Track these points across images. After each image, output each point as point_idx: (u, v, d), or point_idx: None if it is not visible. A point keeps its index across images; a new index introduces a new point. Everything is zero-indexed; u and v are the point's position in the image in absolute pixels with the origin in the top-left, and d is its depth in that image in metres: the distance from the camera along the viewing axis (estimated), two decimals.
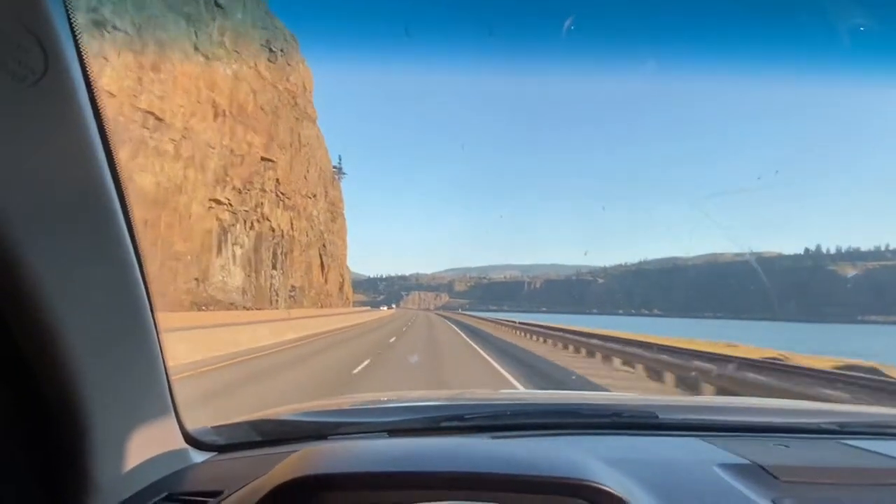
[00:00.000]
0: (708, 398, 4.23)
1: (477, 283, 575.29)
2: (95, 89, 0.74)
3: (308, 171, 61.95)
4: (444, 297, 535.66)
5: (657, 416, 1.31)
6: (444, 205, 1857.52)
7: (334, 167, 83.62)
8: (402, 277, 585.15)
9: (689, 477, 0.94)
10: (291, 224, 56.33)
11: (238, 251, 49.03)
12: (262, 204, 50.89)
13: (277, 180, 52.87)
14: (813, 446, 1.18)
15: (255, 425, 1.25)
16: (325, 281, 69.74)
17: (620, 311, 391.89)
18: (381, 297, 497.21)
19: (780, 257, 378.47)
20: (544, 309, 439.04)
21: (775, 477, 0.94)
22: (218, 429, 1.23)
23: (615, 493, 0.74)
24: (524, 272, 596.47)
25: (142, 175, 33.08)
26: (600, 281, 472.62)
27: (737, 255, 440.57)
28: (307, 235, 61.58)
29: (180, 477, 1.00)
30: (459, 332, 30.96)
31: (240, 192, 48.30)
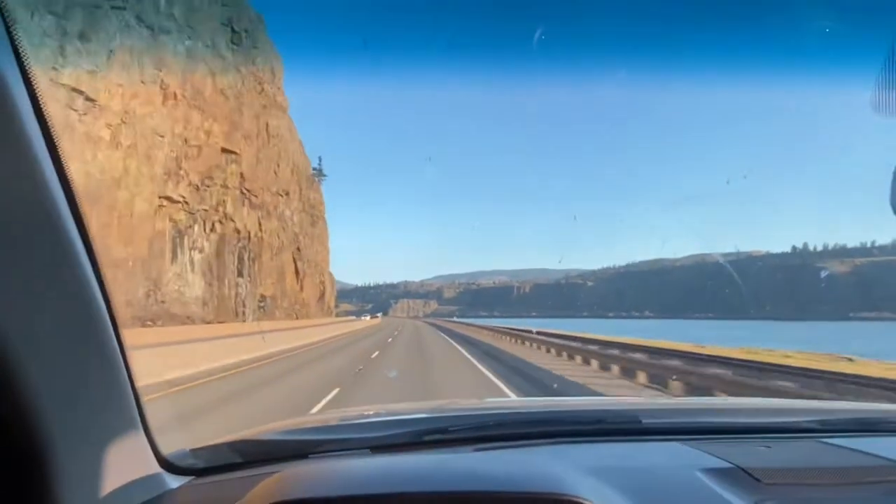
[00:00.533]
0: (690, 399, 3.99)
1: (466, 289, 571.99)
2: (36, 88, 0.70)
3: (278, 166, 55.71)
4: (433, 305, 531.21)
5: (640, 421, 1.32)
6: (430, 212, 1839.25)
7: (314, 169, 77.63)
8: (391, 286, 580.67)
9: (671, 483, 0.95)
10: (259, 225, 49.97)
11: (197, 256, 42.90)
12: (224, 202, 44.77)
13: (242, 175, 46.69)
14: (794, 446, 1.19)
15: (234, 446, 1.21)
16: (301, 289, 63.24)
17: (611, 314, 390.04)
18: (370, 305, 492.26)
19: (768, 255, 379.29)
20: (534, 314, 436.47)
21: (757, 480, 0.94)
22: (196, 451, 1.17)
23: None
24: (513, 277, 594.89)
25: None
26: (589, 284, 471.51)
27: (725, 254, 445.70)
28: (279, 238, 55.17)
29: None
30: (458, 346, 24.99)
31: (197, 188, 42.11)
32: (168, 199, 39.50)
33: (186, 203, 41.55)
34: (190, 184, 41.47)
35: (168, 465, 1.05)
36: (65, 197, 0.74)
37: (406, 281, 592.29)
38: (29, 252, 0.69)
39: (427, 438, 1.23)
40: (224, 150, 44.93)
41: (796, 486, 0.93)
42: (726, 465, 1.00)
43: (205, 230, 43.95)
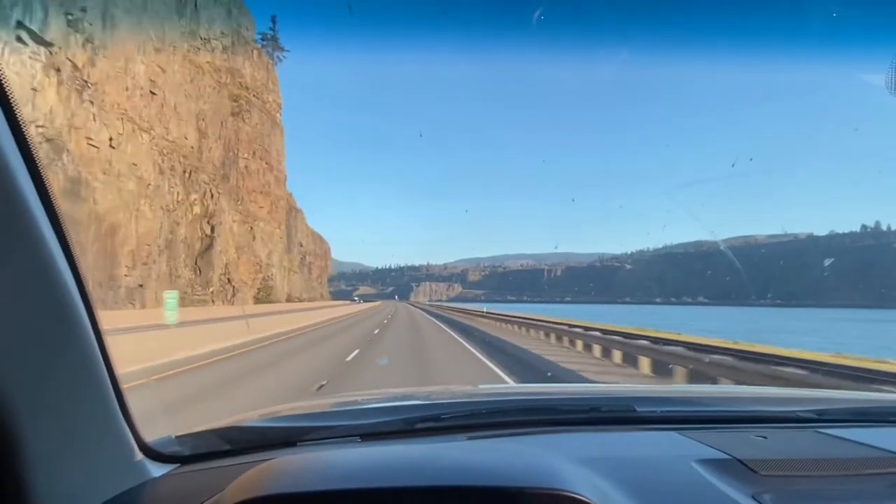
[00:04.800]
0: (686, 387, 3.90)
1: (492, 272, 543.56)
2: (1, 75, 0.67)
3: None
4: (457, 288, 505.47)
5: (635, 409, 1.31)
6: (453, 193, 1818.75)
7: (262, 35, 49.13)
8: (413, 268, 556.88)
9: (667, 474, 0.93)
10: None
11: None
12: None
13: None
14: (791, 437, 1.18)
15: (221, 433, 1.18)
16: (200, 271, 35.02)
17: (658, 300, 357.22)
18: (390, 289, 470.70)
19: (833, 236, 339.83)
20: (569, 299, 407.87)
21: (754, 471, 0.93)
22: (181, 438, 1.15)
23: (589, 501, 0.73)
24: (539, 261, 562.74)
25: None
26: (628, 267, 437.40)
27: (771, 236, 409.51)
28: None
29: (137, 493, 0.92)
30: None
31: None
32: None
33: None
34: None
35: (151, 452, 1.02)
36: (29, 175, 0.70)
37: (428, 264, 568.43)
38: None
39: (419, 426, 1.21)
40: None
41: (794, 478, 0.92)
42: (723, 456, 0.99)
43: None
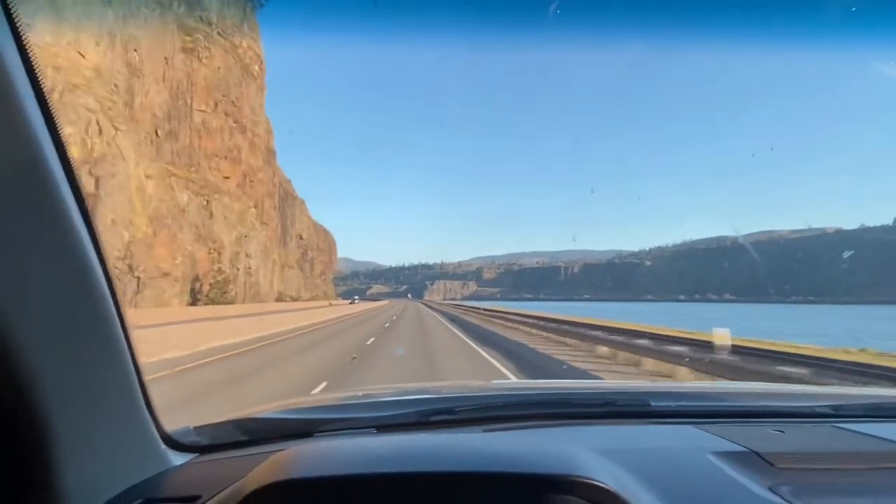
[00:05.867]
0: (700, 383, 3.37)
1: (507, 269, 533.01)
2: (31, 56, 0.67)
3: None
4: (472, 286, 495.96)
5: (649, 404, 1.31)
6: (466, 191, 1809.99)
7: None
8: (427, 266, 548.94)
9: (683, 465, 0.93)
10: None
11: None
12: None
13: None
14: (808, 431, 1.18)
15: (238, 424, 1.21)
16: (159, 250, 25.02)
17: (681, 297, 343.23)
18: (404, 287, 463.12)
19: (864, 230, 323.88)
20: (587, 296, 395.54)
21: (771, 464, 0.93)
22: (199, 429, 1.18)
23: (608, 487, 0.73)
24: (554, 259, 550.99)
25: None
26: (648, 263, 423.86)
27: (794, 231, 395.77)
28: None
29: (157, 481, 0.96)
30: None
31: None
32: None
33: None
34: None
35: (171, 441, 1.05)
36: (62, 168, 0.72)
37: (443, 262, 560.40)
38: (27, 226, 0.68)
39: (434, 419, 1.22)
40: None
41: (810, 471, 0.92)
42: (739, 448, 0.99)
43: None
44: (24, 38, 0.65)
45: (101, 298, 0.80)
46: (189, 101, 30.79)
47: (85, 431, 0.80)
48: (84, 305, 0.78)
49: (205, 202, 31.02)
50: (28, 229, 0.68)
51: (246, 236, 36.90)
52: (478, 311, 40.77)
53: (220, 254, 32.11)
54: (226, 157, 34.60)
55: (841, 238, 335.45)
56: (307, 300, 66.22)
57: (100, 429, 0.84)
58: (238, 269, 35.75)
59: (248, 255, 38.48)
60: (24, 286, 0.68)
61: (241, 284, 36.58)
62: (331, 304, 54.94)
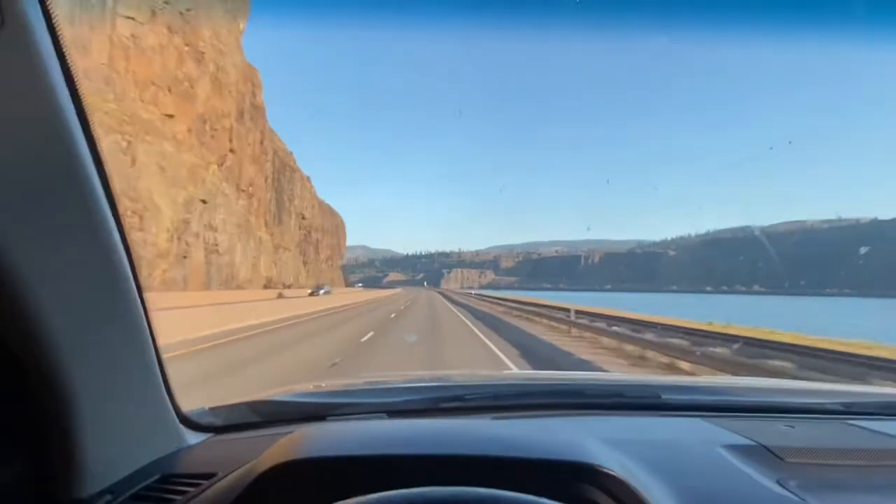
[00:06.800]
0: (711, 378, 3.74)
1: (525, 258, 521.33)
2: (62, 42, 0.68)
3: None
4: (490, 275, 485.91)
5: (660, 396, 1.32)
6: (484, 179, 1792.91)
7: None
8: (444, 254, 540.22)
9: (692, 458, 0.94)
10: None
11: None
12: None
13: None
14: (818, 427, 1.18)
15: (252, 406, 1.25)
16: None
17: (709, 289, 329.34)
18: (420, 275, 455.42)
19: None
20: (608, 287, 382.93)
21: (780, 458, 0.94)
22: (215, 410, 1.22)
23: (617, 474, 0.73)
24: (573, 248, 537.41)
25: None
26: (671, 253, 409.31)
27: (824, 221, 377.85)
28: None
29: (174, 458, 0.99)
30: None
31: None
32: None
33: None
34: None
35: (188, 421, 1.08)
36: (93, 160, 0.73)
37: (460, 250, 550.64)
38: (62, 215, 0.70)
39: (445, 405, 1.24)
40: None
41: (820, 466, 0.92)
42: (749, 442, 0.99)
43: None
44: (60, 37, 0.65)
45: (125, 280, 0.82)
46: (110, 1, 21.65)
47: (107, 410, 0.82)
48: (110, 288, 0.80)
49: (125, 144, 22.10)
50: (63, 218, 0.70)
51: (204, 201, 27.92)
52: (513, 305, 31.06)
53: (142, 218, 22.89)
54: (169, 90, 25.58)
55: (876, 229, 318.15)
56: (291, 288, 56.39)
57: (120, 407, 0.86)
58: (188, 243, 26.71)
59: (212, 228, 29.63)
60: (57, 272, 0.69)
61: (195, 265, 27.61)
62: (280, 296, 38.11)
